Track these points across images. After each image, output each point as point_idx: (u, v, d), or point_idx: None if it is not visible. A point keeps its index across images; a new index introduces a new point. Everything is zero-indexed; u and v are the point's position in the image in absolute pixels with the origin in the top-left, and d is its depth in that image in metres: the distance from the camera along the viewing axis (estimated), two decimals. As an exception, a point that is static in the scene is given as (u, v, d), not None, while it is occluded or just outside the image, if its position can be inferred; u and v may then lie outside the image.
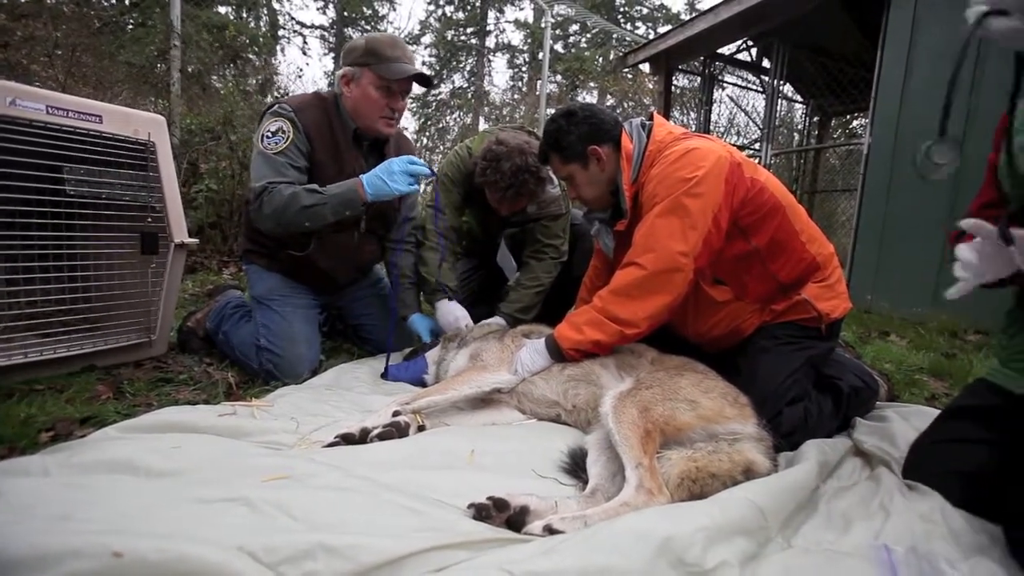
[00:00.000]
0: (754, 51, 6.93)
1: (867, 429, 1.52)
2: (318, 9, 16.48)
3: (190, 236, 2.01)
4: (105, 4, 7.67)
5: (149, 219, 1.86)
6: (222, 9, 10.86)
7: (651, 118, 1.72)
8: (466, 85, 18.01)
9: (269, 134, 1.84)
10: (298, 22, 16.05)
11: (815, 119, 7.82)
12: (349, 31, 16.49)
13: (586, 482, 1.15)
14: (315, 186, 1.80)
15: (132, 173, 1.81)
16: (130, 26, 7.63)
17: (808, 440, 1.40)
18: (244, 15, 12.77)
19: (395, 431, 1.32)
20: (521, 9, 17.83)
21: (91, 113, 1.69)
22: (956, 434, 1.19)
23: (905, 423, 1.53)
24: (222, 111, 4.49)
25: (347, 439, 1.28)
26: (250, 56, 8.90)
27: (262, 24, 13.74)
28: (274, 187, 1.77)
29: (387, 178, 1.79)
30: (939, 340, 3.01)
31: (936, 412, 1.52)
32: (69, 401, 1.51)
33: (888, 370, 2.26)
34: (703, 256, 1.49)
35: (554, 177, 2.24)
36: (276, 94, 6.10)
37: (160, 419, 1.27)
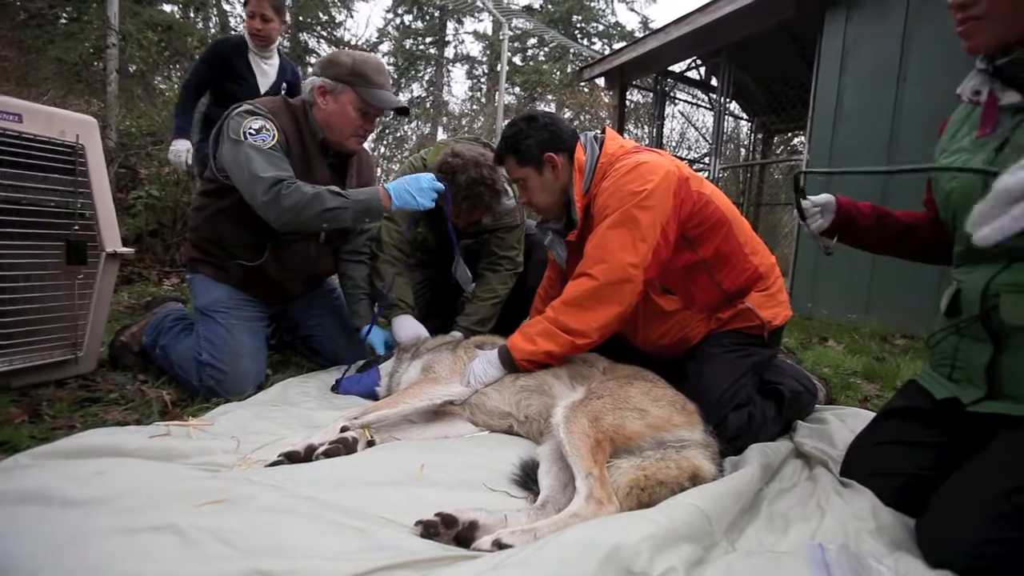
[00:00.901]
0: (703, 70, 7.26)
1: (807, 432, 1.60)
2: (272, 12, 16.06)
3: (126, 245, 1.89)
4: (34, -4, 7.18)
5: (76, 227, 1.74)
6: (167, 8, 10.39)
7: (603, 131, 1.76)
8: (424, 95, 17.95)
9: (253, 131, 1.75)
10: (251, 25, 15.55)
11: (759, 136, 8.25)
12: (303, 36, 16.13)
13: (537, 494, 1.15)
14: (338, 188, 1.77)
15: (58, 177, 1.69)
16: (63, 20, 7.17)
17: (752, 444, 1.45)
18: (192, 15, 12.26)
19: (342, 447, 1.28)
20: (480, 21, 17.98)
21: (9, 112, 1.56)
22: (888, 436, 1.26)
23: (842, 424, 1.61)
24: (167, 113, 4.28)
25: (291, 457, 1.23)
26: (195, 57, 8.55)
27: (211, 25, 13.23)
28: (292, 182, 1.71)
29: (416, 192, 1.79)
30: (871, 345, 3.21)
31: (870, 414, 1.61)
32: (-26, 426, 1.37)
33: (826, 374, 2.39)
34: (652, 267, 1.53)
35: (509, 189, 2.26)
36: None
37: (81, 443, 1.17)
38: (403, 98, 17.51)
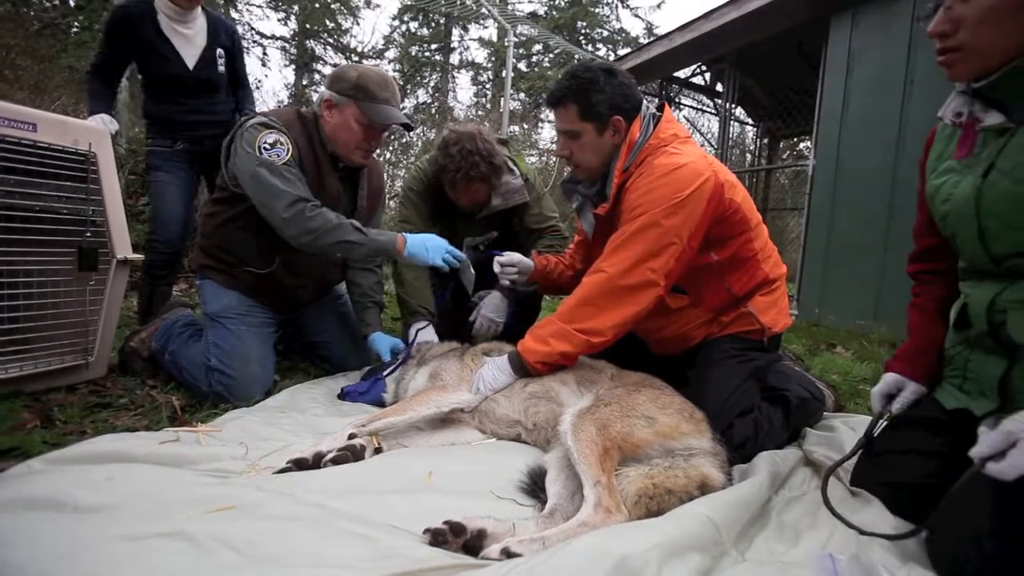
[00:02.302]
0: (708, 75, 7.27)
1: (816, 439, 1.58)
2: (279, 20, 16.20)
3: (135, 251, 1.91)
4: (47, 5, 7.30)
5: (88, 233, 1.76)
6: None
7: (661, 109, 1.67)
8: (430, 100, 18.05)
9: (267, 145, 1.76)
10: (258, 32, 15.74)
11: (765, 141, 8.24)
12: (311, 44, 16.28)
13: (545, 502, 1.14)
14: (359, 224, 1.79)
15: (71, 185, 1.71)
16: (74, 29, 7.28)
17: (760, 452, 1.44)
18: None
19: (350, 455, 1.28)
20: (485, 28, 18.10)
21: (24, 121, 1.59)
22: (898, 445, 1.25)
23: (852, 432, 1.60)
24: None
25: (299, 464, 1.23)
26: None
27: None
28: (317, 205, 1.75)
29: (430, 250, 1.83)
30: (880, 351, 3.18)
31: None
32: (-12, 431, 1.39)
33: (835, 381, 2.37)
34: (675, 272, 1.52)
35: (514, 168, 2.25)
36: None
37: (92, 449, 1.18)
38: (409, 104, 17.60)
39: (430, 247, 1.83)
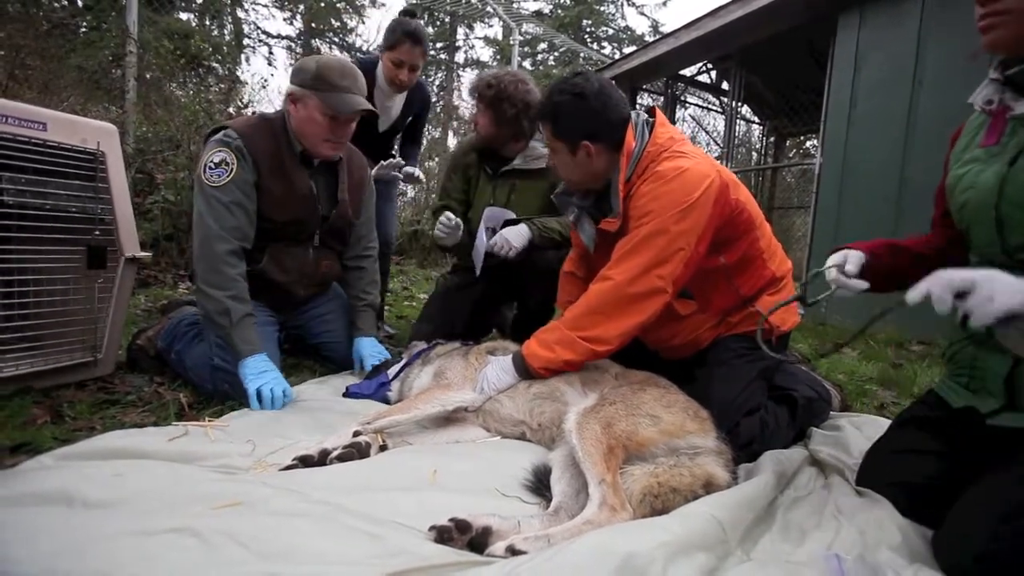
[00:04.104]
0: (714, 73, 7.24)
1: (822, 439, 1.58)
2: (285, 20, 16.23)
3: (144, 249, 1.92)
4: (56, 5, 7.35)
5: (97, 232, 1.77)
6: (184, 16, 10.58)
7: (653, 114, 1.67)
8: (435, 99, 18.07)
9: (212, 165, 1.77)
10: (264, 32, 15.79)
11: (771, 139, 8.19)
12: (317, 43, 16.32)
13: (550, 500, 1.15)
14: (234, 309, 1.70)
15: (80, 183, 1.73)
16: (83, 29, 7.34)
17: (766, 451, 1.43)
18: (207, 23, 12.47)
19: (356, 452, 1.29)
20: (490, 26, 18.09)
21: (34, 120, 1.60)
22: (904, 445, 1.24)
23: (858, 432, 1.59)
24: (182, 120, 4.35)
25: (305, 461, 1.24)
26: (213, 65, 8.69)
27: (226, 33, 13.44)
28: (228, 267, 1.73)
29: (253, 379, 1.65)
30: (887, 351, 3.16)
31: (886, 421, 1.59)
32: (-1, 427, 1.41)
33: (841, 381, 2.36)
34: (682, 278, 1.51)
35: (541, 142, 2.32)
36: (240, 103, 5.95)
37: (102, 445, 1.20)
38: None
39: (254, 378, 1.65)
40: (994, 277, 0.87)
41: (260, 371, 1.69)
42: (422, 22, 2.71)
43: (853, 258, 1.23)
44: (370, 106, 1.88)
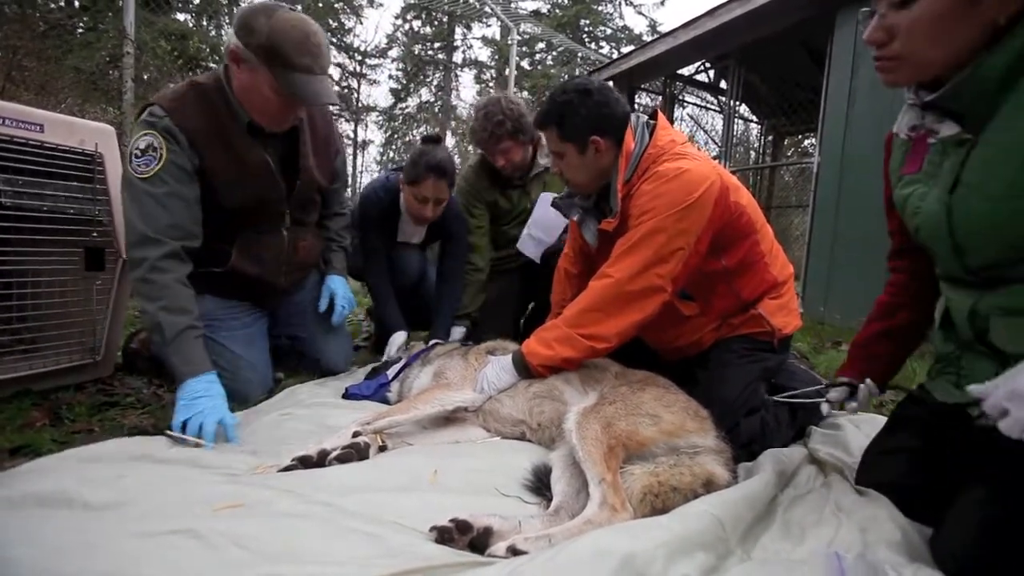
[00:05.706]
0: (712, 73, 7.24)
1: (821, 438, 1.58)
2: (282, 20, 16.25)
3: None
4: (52, 6, 7.34)
5: (95, 233, 1.77)
6: (181, 17, 10.58)
7: (654, 116, 1.66)
8: (433, 99, 18.07)
9: (138, 152, 1.51)
10: (261, 32, 15.75)
11: (769, 138, 8.20)
12: (314, 42, 16.25)
13: (550, 500, 1.15)
14: (168, 324, 1.46)
15: (77, 185, 1.72)
16: (80, 30, 7.32)
17: (765, 450, 1.44)
18: (205, 24, 12.47)
19: (355, 453, 1.29)
20: (488, 26, 18.11)
21: (31, 121, 1.60)
22: (896, 444, 1.24)
23: (857, 431, 1.59)
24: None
25: (304, 462, 1.24)
26: (211, 66, 8.69)
27: (223, 33, 13.43)
28: (158, 273, 1.48)
29: (189, 407, 1.38)
30: (886, 349, 3.16)
31: (885, 420, 1.59)
32: (-2, 429, 1.40)
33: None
34: (681, 277, 1.51)
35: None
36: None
37: (103, 448, 1.20)
38: (412, 103, 17.61)
39: (185, 406, 1.38)
40: None
41: (194, 397, 1.40)
42: (447, 145, 2.54)
43: (861, 394, 1.31)
44: (335, 98, 1.66)
